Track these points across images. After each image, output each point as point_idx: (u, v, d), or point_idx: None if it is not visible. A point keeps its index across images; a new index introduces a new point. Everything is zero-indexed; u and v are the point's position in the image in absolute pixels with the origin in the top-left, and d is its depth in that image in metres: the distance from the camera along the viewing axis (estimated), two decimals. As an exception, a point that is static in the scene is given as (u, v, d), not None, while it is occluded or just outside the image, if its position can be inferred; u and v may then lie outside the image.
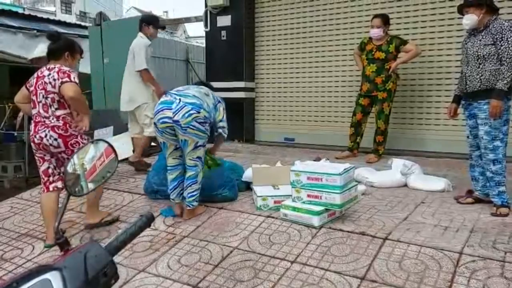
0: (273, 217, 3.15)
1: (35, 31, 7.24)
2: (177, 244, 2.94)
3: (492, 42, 3.04)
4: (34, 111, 3.13)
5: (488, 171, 3.15)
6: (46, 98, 3.06)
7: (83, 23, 11.11)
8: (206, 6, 6.54)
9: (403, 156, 4.59)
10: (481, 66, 3.10)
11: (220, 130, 3.45)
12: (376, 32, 4.66)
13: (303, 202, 2.99)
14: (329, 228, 2.88)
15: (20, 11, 10.38)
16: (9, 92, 8.40)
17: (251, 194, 3.66)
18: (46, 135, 3.03)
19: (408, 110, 5.39)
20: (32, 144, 3.14)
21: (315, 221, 2.88)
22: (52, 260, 0.91)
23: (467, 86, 3.20)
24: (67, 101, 3.07)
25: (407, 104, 5.37)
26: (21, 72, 6.44)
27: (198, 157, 3.23)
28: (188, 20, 7.59)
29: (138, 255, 2.84)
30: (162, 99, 3.24)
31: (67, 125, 3.07)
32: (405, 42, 4.68)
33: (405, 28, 5.28)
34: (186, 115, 3.05)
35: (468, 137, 3.34)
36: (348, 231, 2.82)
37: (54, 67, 3.09)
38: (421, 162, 4.34)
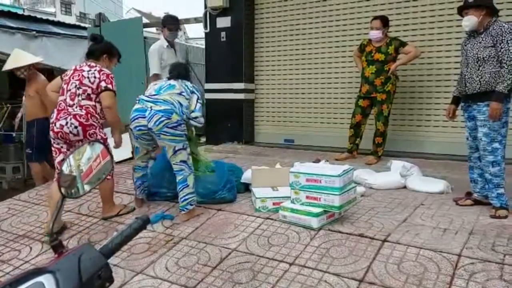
0: (272, 219, 3.14)
1: (34, 32, 7.19)
2: (175, 246, 2.93)
3: (492, 44, 3.03)
4: (60, 98, 3.23)
5: (487, 173, 3.14)
6: (78, 88, 3.16)
7: (82, 24, 11.11)
8: (205, 7, 6.54)
9: (402, 157, 4.58)
10: (480, 68, 3.09)
11: (191, 122, 3.37)
12: (375, 34, 4.66)
13: (302, 204, 2.98)
14: (328, 230, 2.87)
15: (19, 12, 10.33)
16: (8, 93, 8.38)
17: (250, 195, 3.65)
18: (67, 123, 3.10)
19: (408, 112, 5.38)
20: (51, 132, 3.19)
21: (314, 222, 2.87)
22: (46, 263, 0.90)
23: (466, 88, 3.19)
24: (97, 97, 3.18)
25: (407, 106, 5.38)
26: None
27: (182, 161, 3.23)
28: (187, 21, 7.57)
29: (136, 257, 2.83)
30: (135, 107, 3.26)
31: (89, 114, 3.16)
32: (404, 44, 4.68)
33: (404, 30, 5.28)
34: (157, 122, 3.12)
35: (467, 139, 3.33)
36: (347, 233, 2.81)
37: (95, 66, 3.26)
38: (420, 163, 4.33)
